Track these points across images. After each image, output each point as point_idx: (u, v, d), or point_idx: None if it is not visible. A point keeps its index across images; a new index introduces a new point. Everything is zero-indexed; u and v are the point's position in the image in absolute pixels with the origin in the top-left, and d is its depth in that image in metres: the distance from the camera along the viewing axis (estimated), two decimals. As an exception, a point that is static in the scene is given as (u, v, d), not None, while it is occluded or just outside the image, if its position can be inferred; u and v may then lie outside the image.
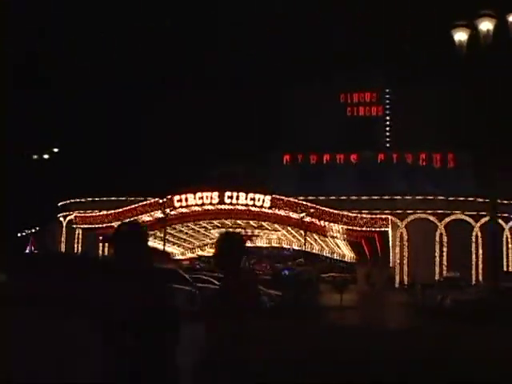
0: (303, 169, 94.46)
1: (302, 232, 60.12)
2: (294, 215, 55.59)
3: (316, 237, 60.96)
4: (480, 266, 63.48)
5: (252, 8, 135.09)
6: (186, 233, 64.99)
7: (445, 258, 63.75)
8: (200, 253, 70.85)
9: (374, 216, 55.74)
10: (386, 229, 54.87)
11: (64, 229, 75.43)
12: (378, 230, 54.70)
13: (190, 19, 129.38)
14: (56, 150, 64.30)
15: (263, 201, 56.47)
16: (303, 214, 54.12)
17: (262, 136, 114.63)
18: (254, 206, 56.75)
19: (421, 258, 63.01)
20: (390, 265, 63.80)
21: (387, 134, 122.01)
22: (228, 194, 57.04)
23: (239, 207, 57.00)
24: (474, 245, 63.98)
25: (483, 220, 64.19)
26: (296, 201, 56.61)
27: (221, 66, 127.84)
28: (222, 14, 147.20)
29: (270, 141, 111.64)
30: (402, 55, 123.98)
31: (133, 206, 59.82)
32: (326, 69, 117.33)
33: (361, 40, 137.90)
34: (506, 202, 64.16)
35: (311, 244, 66.45)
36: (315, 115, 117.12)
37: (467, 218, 64.30)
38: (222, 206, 57.40)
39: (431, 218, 64.07)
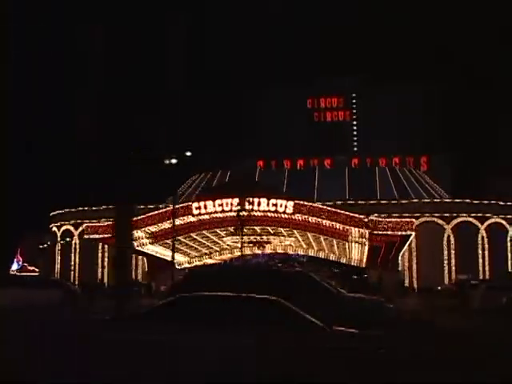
0: (278, 174, 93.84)
1: (322, 238, 60.25)
2: (313, 220, 55.51)
3: (335, 242, 60.90)
4: (487, 267, 64.72)
5: (221, 13, 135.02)
6: (198, 240, 63.91)
7: (453, 260, 64.76)
8: (208, 261, 69.79)
9: (398, 220, 56.13)
10: (411, 232, 55.30)
11: (59, 239, 73.40)
12: (402, 233, 55.10)
13: (150, 24, 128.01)
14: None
15: (286, 206, 56.08)
16: (328, 222, 54.17)
17: (229, 141, 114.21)
18: (275, 212, 56.27)
19: (429, 261, 64.01)
20: (399, 268, 64.47)
21: (354, 138, 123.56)
22: (249, 199, 56.41)
23: (260, 213, 56.43)
24: (480, 246, 65.25)
25: (488, 222, 65.86)
26: (320, 206, 56.46)
27: (186, 70, 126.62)
28: (189, 17, 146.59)
29: (237, 146, 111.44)
30: (368, 60, 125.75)
31: (149, 214, 58.48)
32: (293, 74, 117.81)
33: (328, 46, 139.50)
34: (508, 203, 66.04)
35: (324, 250, 66.62)
36: (283, 120, 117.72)
37: (472, 220, 65.48)
38: (243, 213, 56.65)
39: (440, 221, 65.01)
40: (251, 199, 56.25)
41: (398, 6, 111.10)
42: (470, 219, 65.37)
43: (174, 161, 46.03)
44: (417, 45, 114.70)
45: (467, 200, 66.66)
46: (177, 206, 58.82)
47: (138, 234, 59.11)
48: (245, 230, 61.15)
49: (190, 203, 57.99)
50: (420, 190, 79.66)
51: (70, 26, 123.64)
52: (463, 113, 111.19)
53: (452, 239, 64.92)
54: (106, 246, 69.22)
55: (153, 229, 58.50)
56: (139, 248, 60.50)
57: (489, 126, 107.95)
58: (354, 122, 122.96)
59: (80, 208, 72.58)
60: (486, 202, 66.40)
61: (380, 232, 54.75)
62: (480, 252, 65.09)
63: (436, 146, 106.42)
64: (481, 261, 64.98)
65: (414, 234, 55.74)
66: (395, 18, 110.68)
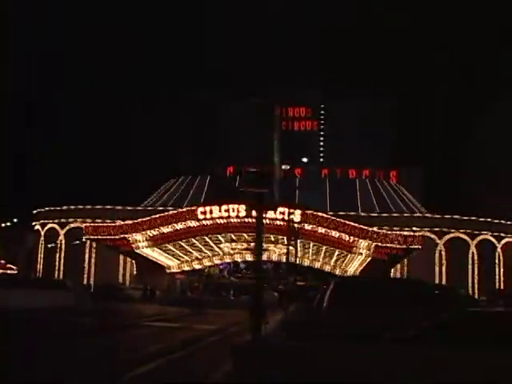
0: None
1: (324, 248, 60.27)
2: (322, 230, 55.52)
3: (336, 253, 60.97)
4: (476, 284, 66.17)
5: (221, 13, 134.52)
6: (196, 245, 63.05)
7: (444, 275, 65.92)
8: (197, 266, 68.88)
9: (406, 234, 56.66)
10: (418, 246, 55.74)
11: (42, 238, 71.36)
12: (409, 247, 55.54)
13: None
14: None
15: (293, 215, 55.84)
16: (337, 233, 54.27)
17: (199, 149, 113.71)
18: (282, 220, 55.92)
19: (420, 275, 64.77)
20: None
21: (321, 148, 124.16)
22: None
23: (268, 221, 55.97)
24: (470, 262, 66.63)
25: (479, 238, 67.30)
26: (327, 216, 56.49)
27: (154, 78, 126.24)
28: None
29: (207, 153, 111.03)
30: (337, 71, 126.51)
31: (154, 217, 57.33)
32: (262, 83, 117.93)
33: (296, 55, 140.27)
34: (498, 221, 67.56)
35: (318, 260, 66.68)
36: (251, 129, 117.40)
37: (464, 236, 66.82)
38: (249, 220, 56.19)
39: (432, 235, 66.05)
40: (258, 206, 55.78)
41: (398, 6, 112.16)
42: (461, 235, 66.57)
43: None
44: (417, 45, 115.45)
45: (456, 216, 67.94)
46: (181, 210, 58.26)
47: (136, 237, 58.04)
48: (246, 237, 60.95)
49: (196, 207, 57.10)
50: (401, 205, 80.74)
51: (70, 26, 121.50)
52: (430, 126, 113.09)
53: (443, 254, 66.00)
54: (94, 246, 67.84)
55: (154, 232, 57.33)
56: (138, 251, 59.41)
57: (456, 140, 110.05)
58: (321, 133, 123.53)
59: (65, 207, 70.82)
60: (474, 218, 67.78)
61: (388, 245, 55.12)
62: (470, 267, 66.38)
63: (403, 160, 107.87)
64: (470, 276, 66.30)
65: (420, 247, 56.23)
66: (395, 18, 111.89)
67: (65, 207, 70.74)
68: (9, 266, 73.70)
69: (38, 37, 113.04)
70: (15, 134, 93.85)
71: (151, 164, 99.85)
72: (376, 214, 68.56)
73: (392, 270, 64.48)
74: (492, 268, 67.30)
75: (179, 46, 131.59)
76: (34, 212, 73.12)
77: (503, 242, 68.34)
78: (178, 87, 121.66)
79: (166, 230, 57.22)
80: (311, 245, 60.60)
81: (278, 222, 55.90)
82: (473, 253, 66.85)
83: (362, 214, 67.55)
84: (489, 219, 68.15)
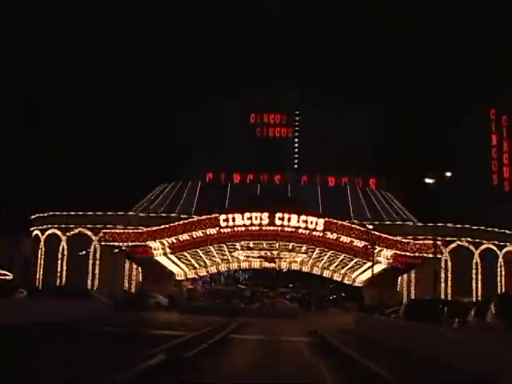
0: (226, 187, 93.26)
1: (342, 257, 60.53)
2: (347, 240, 55.90)
3: (354, 261, 61.31)
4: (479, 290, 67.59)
5: (221, 13, 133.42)
6: (211, 253, 62.57)
7: (449, 281, 67.05)
8: (202, 273, 68.28)
9: (426, 242, 57.41)
10: (438, 256, 56.60)
11: (42, 244, 69.54)
12: (427, 255, 56.38)
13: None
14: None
15: (316, 224, 56.10)
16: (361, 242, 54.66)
17: (173, 155, 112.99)
18: (305, 228, 56.12)
19: (426, 282, 65.81)
20: (398, 289, 65.91)
21: (296, 155, 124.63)
22: (279, 215, 56.02)
23: (291, 229, 56.11)
24: (474, 269, 68.06)
25: (482, 247, 68.80)
26: (350, 225, 56.93)
27: (154, 78, 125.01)
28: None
29: (182, 159, 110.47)
30: (313, 79, 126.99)
31: (175, 224, 56.70)
32: (237, 89, 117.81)
33: (273, 62, 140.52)
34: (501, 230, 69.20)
35: (328, 269, 66.95)
36: (225, 135, 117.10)
37: (468, 245, 68.17)
38: (271, 228, 56.23)
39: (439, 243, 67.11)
40: (282, 214, 55.94)
41: (398, 6, 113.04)
42: (465, 244, 67.88)
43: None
44: (416, 45, 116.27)
45: (458, 225, 69.20)
46: (203, 218, 57.72)
47: (156, 244, 57.34)
48: (264, 245, 60.84)
49: (218, 215, 56.67)
50: (392, 213, 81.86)
51: (70, 26, 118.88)
52: (407, 134, 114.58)
53: (449, 262, 67.16)
54: (98, 253, 66.61)
55: (174, 239, 56.69)
56: (157, 258, 58.71)
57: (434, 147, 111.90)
58: (296, 140, 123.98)
59: (65, 212, 69.18)
60: (476, 227, 69.16)
61: (409, 254, 55.88)
62: (474, 275, 67.78)
63: (380, 167, 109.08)
64: (474, 283, 67.69)
65: (444, 256, 57.14)
66: (395, 18, 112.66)
67: (65, 213, 69.06)
68: (3, 272, 71.24)
69: (38, 37, 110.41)
70: (15, 134, 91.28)
71: (149, 166, 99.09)
72: (389, 223, 69.17)
73: (399, 278, 65.39)
74: (494, 276, 68.84)
75: (179, 46, 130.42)
76: (33, 217, 71.12)
77: (504, 250, 69.96)
78: (178, 87, 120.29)
79: (186, 237, 56.71)
80: (329, 253, 60.83)
81: (301, 231, 56.07)
82: (476, 261, 68.24)
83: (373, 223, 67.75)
84: (489, 228, 69.71)
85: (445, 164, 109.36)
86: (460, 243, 67.84)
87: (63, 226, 68.68)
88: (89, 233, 67.62)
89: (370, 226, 58.05)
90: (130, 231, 58.57)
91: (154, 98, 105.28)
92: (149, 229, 57.29)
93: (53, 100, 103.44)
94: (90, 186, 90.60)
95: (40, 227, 70.18)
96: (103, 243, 58.05)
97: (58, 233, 68.66)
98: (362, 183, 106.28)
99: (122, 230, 59.10)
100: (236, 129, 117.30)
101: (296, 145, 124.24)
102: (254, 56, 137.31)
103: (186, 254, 60.43)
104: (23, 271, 71.50)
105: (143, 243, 56.63)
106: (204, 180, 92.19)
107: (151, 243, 56.65)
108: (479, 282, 68.04)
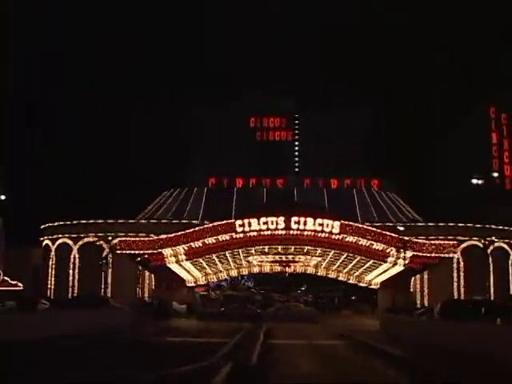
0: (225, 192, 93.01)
1: (357, 259, 60.44)
2: (364, 242, 55.84)
3: (369, 264, 61.21)
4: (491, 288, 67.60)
5: (221, 13, 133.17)
6: (225, 258, 62.37)
7: (462, 281, 67.13)
8: (213, 279, 68.11)
9: (442, 242, 57.50)
10: (454, 255, 56.73)
11: (53, 253, 69.14)
12: (444, 255, 56.51)
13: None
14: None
15: (332, 226, 56.00)
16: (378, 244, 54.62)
17: (173, 157, 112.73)
18: (322, 231, 56.02)
19: (439, 282, 66.01)
20: (411, 289, 65.99)
21: (296, 158, 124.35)
22: (295, 219, 55.89)
23: (307, 233, 56.00)
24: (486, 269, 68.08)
25: (493, 246, 68.72)
26: (366, 227, 56.89)
27: (154, 78, 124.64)
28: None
29: (182, 162, 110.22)
30: (313, 82, 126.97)
31: (191, 230, 56.51)
32: (237, 93, 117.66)
33: (273, 62, 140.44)
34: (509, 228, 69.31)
35: (341, 271, 66.85)
36: (226, 139, 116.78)
37: (480, 244, 68.16)
38: (290, 232, 56.11)
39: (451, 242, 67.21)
40: (297, 218, 55.83)
41: (398, 6, 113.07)
42: (477, 243, 67.89)
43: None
44: (416, 45, 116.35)
45: (470, 224, 69.32)
46: (218, 223, 57.50)
47: (170, 251, 57.13)
48: (279, 249, 60.71)
49: (234, 220, 56.51)
50: (398, 214, 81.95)
51: (70, 26, 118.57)
52: (407, 134, 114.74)
53: (461, 261, 67.21)
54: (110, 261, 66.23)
55: (191, 245, 56.48)
56: (170, 265, 58.47)
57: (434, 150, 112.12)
58: (296, 143, 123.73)
59: (75, 221, 68.94)
60: (487, 226, 69.26)
61: (426, 254, 55.94)
62: (486, 274, 67.80)
63: (381, 168, 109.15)
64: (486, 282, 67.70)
65: (456, 255, 57.19)
66: (395, 18, 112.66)
67: (76, 222, 68.80)
68: (14, 282, 70.78)
69: (38, 37, 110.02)
70: (15, 134, 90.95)
71: (149, 167, 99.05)
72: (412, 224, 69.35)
73: (412, 279, 65.45)
74: (505, 274, 68.99)
75: (179, 46, 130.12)
76: (42, 227, 70.78)
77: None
78: (178, 87, 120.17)
79: (201, 243, 56.50)
80: (343, 256, 60.77)
81: (320, 234, 55.99)
82: (488, 260, 68.27)
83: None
84: (500, 227, 69.87)
85: (444, 165, 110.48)
86: (473, 243, 67.87)
87: (74, 235, 68.39)
88: (100, 241, 67.36)
89: (401, 228, 58.43)
90: (146, 239, 58.28)
91: (154, 97, 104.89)
92: (165, 236, 57.02)
93: (53, 100, 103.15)
94: (90, 188, 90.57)
95: (50, 237, 69.83)
96: (119, 251, 57.64)
97: (69, 242, 68.34)
98: (365, 184, 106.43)
99: (138, 238, 58.75)
100: (236, 132, 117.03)
101: (296, 148, 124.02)
102: (253, 56, 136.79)
103: (201, 260, 60.16)
104: (33, 281, 71.03)
105: (159, 250, 56.36)
106: (208, 185, 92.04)
107: (167, 250, 56.40)
108: (491, 281, 68.11)
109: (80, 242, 67.75)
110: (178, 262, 58.68)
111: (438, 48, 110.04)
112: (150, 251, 56.87)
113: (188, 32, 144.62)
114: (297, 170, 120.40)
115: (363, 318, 59.30)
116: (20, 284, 70.65)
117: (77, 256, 67.74)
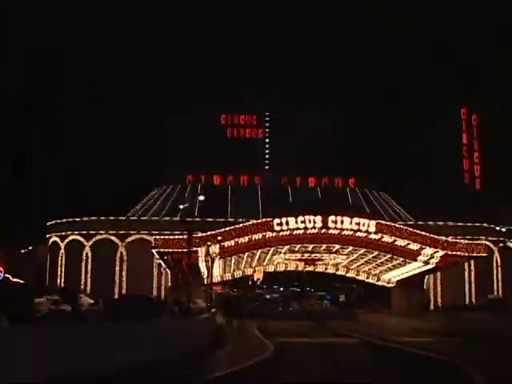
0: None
1: (386, 258, 60.73)
2: (403, 243, 56.16)
3: (396, 261, 61.51)
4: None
5: (221, 13, 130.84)
6: (253, 256, 61.60)
7: (473, 280, 68.62)
8: (227, 277, 67.26)
9: (471, 242, 58.46)
10: (484, 254, 57.76)
11: (63, 250, 66.67)
12: (476, 255, 57.48)
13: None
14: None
15: (368, 226, 55.93)
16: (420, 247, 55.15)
17: (147, 156, 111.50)
18: (358, 230, 55.96)
19: (451, 281, 67.30)
20: (425, 288, 66.93)
21: (266, 156, 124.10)
22: (332, 218, 55.52)
23: (345, 232, 55.90)
24: (494, 268, 69.82)
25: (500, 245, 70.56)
26: (400, 226, 57.25)
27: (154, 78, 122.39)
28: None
29: (157, 160, 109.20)
30: (313, 79, 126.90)
31: (228, 229, 55.40)
32: (208, 90, 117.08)
33: (243, 63, 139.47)
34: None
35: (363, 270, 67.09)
36: (197, 136, 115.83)
37: (488, 243, 69.75)
38: (329, 231, 55.87)
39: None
40: (335, 217, 55.66)
41: (398, 6, 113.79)
42: (487, 242, 69.43)
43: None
44: (416, 45, 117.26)
45: (477, 224, 70.85)
46: (255, 222, 56.74)
47: (203, 250, 55.95)
48: (310, 248, 60.46)
49: (271, 219, 55.73)
50: (391, 213, 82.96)
51: (70, 26, 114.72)
52: (379, 135, 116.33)
53: (472, 261, 68.52)
54: (125, 259, 64.67)
55: (226, 244, 55.44)
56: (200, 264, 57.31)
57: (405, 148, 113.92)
58: (267, 140, 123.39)
59: (86, 218, 66.88)
60: (493, 226, 70.96)
61: (459, 253, 56.72)
62: (495, 274, 69.55)
63: (355, 169, 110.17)
64: (495, 283, 69.44)
65: (485, 255, 58.26)
66: (395, 18, 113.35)
67: (86, 218, 66.68)
68: (16, 280, 67.77)
69: (38, 37, 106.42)
70: (15, 134, 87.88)
71: (132, 166, 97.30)
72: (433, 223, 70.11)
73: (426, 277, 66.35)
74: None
75: (179, 46, 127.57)
76: (48, 224, 68.23)
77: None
78: (178, 87, 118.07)
79: (234, 242, 55.56)
80: (372, 255, 61.00)
81: (357, 234, 55.97)
82: (497, 259, 70.01)
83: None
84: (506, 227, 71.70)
85: (421, 165, 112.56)
86: (486, 242, 69.33)
87: (84, 232, 66.22)
88: (113, 238, 65.60)
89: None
90: (180, 237, 56.82)
91: (154, 97, 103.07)
92: (201, 234, 55.74)
93: (53, 100, 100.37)
94: (89, 187, 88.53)
95: (59, 233, 67.31)
96: (154, 250, 56.07)
97: (81, 239, 66.07)
98: (342, 183, 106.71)
99: (173, 237, 57.23)
100: (206, 130, 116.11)
101: (267, 145, 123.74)
102: (253, 56, 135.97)
103: (231, 258, 59.33)
104: (39, 280, 68.35)
105: (194, 249, 55.03)
106: (185, 183, 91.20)
107: (203, 249, 55.16)
108: (499, 281, 69.91)
109: (93, 239, 65.64)
110: (208, 261, 57.54)
111: (437, 48, 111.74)
112: (185, 250, 55.45)
113: (188, 32, 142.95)
114: (266, 167, 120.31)
115: (384, 316, 59.96)
116: (21, 282, 67.86)
117: (89, 253, 65.55)
